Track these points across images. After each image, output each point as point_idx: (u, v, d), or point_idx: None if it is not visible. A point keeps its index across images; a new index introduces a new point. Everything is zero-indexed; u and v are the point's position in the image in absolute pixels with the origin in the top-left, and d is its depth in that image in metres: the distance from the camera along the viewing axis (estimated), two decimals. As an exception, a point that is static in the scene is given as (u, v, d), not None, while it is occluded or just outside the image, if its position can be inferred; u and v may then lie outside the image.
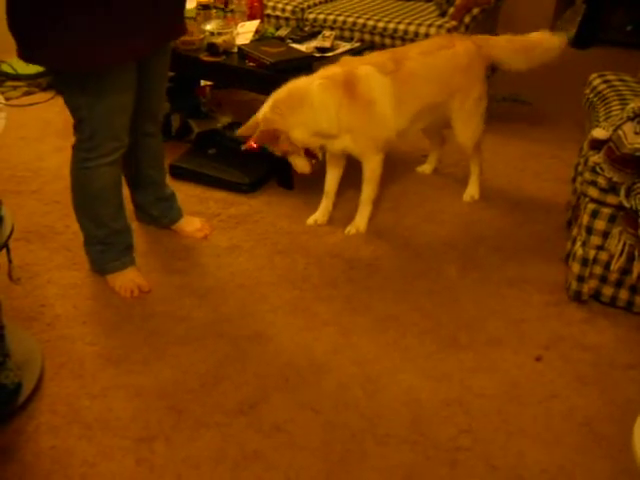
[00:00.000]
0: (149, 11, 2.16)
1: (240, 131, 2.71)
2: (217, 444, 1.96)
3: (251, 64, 3.13)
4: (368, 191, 2.87)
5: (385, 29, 3.81)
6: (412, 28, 3.75)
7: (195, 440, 1.97)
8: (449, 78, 2.82)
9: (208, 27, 3.31)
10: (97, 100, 2.22)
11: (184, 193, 2.94)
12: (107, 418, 2.04)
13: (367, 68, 2.68)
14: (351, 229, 2.90)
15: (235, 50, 3.24)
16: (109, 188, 2.45)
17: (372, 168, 2.81)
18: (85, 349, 2.31)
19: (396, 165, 3.39)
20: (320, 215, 3.00)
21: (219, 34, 3.27)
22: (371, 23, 3.87)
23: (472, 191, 3.16)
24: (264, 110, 2.62)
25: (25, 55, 2.16)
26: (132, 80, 2.28)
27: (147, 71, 2.40)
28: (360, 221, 2.91)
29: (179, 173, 3.30)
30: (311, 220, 3.00)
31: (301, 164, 2.72)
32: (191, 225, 2.91)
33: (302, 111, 2.59)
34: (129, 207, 2.81)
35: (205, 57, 3.21)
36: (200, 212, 3.06)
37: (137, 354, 2.28)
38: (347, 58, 2.84)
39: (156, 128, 2.66)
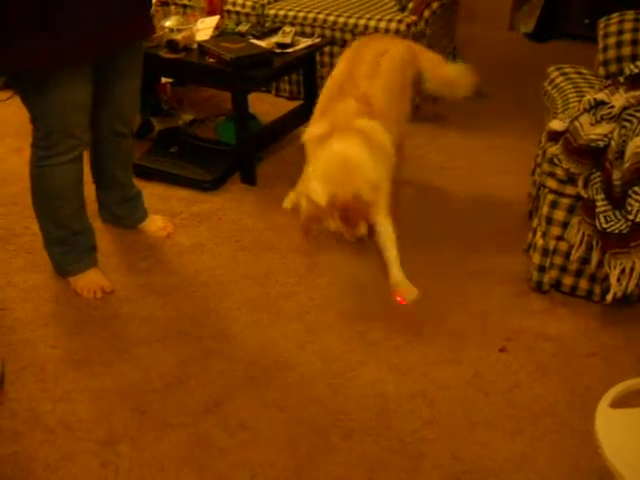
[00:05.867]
0: (92, 18, 2.11)
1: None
2: (182, 444, 1.95)
3: (211, 60, 3.10)
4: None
5: (345, 24, 3.80)
6: (372, 23, 3.75)
7: (160, 441, 1.96)
8: (402, 78, 2.79)
9: (167, 24, 3.28)
10: (46, 98, 2.18)
11: (146, 192, 2.91)
12: (70, 421, 2.02)
13: (365, 121, 2.50)
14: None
15: (195, 46, 3.21)
16: (68, 187, 2.41)
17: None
18: (47, 352, 2.28)
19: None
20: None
21: (178, 30, 3.23)
22: (331, 19, 3.86)
23: None
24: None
25: None
26: (84, 78, 2.24)
27: (113, 70, 2.38)
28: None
29: (141, 172, 3.26)
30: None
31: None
32: (154, 224, 2.89)
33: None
34: (93, 206, 2.78)
35: (165, 54, 3.17)
36: (163, 211, 3.03)
37: (99, 356, 2.26)
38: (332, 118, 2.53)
39: (126, 129, 2.61)
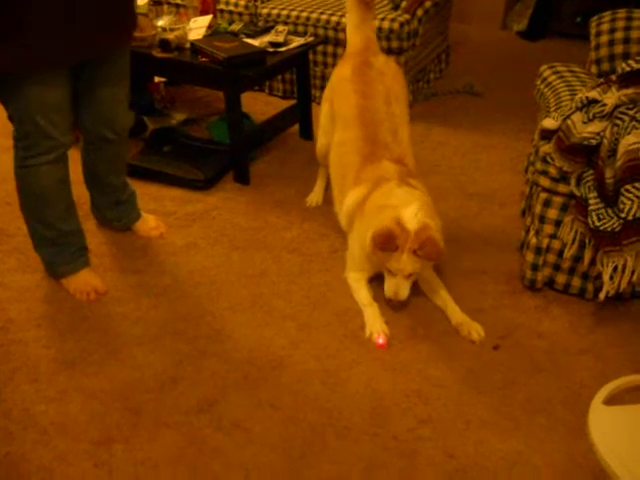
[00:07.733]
0: (62, 23, 2.06)
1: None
2: (176, 444, 1.94)
3: (204, 60, 3.10)
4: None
5: (338, 23, 3.80)
6: (365, 22, 3.75)
7: (154, 441, 1.95)
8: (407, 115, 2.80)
9: (160, 23, 3.27)
10: (18, 99, 2.16)
11: (139, 191, 2.89)
12: (63, 422, 2.01)
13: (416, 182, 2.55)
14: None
15: (188, 46, 3.20)
16: (53, 187, 2.38)
17: None
18: (40, 352, 2.27)
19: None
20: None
21: (171, 30, 3.23)
22: (324, 17, 3.86)
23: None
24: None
25: None
26: (59, 80, 2.18)
27: (95, 75, 2.35)
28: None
29: (134, 171, 3.25)
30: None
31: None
32: (146, 224, 2.88)
33: None
34: (84, 207, 2.78)
35: (157, 53, 3.16)
36: (155, 210, 3.02)
37: (93, 356, 2.25)
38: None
39: (114, 135, 2.53)
